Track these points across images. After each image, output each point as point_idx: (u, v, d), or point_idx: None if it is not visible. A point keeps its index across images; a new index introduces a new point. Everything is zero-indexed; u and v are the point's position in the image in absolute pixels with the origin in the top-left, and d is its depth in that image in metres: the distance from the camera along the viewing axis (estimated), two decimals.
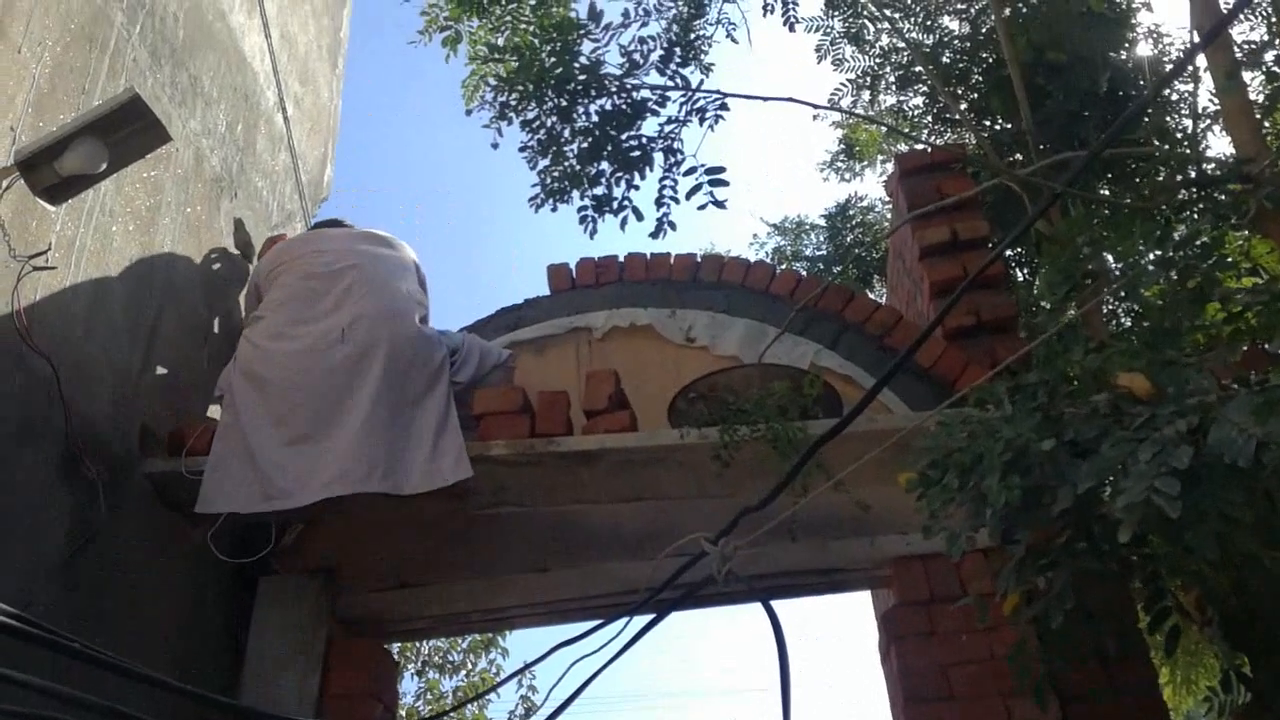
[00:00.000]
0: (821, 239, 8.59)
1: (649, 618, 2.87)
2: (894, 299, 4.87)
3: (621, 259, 4.31)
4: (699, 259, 4.29)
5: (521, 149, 4.39)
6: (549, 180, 4.37)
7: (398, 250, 3.72)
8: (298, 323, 3.32)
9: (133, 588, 3.02)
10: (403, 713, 8.37)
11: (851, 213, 8.37)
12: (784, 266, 7.93)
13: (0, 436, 2.57)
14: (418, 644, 9.21)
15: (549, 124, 4.37)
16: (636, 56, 4.44)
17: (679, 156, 4.30)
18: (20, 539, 2.60)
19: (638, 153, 4.27)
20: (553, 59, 4.20)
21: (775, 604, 2.55)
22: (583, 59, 4.29)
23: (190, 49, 3.68)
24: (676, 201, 4.23)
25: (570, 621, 3.62)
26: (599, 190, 4.29)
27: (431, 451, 3.22)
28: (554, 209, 4.32)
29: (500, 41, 4.39)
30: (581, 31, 4.31)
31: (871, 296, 5.68)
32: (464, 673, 9.02)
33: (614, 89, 4.32)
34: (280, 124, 4.54)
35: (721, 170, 4.03)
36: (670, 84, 4.45)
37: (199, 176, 3.71)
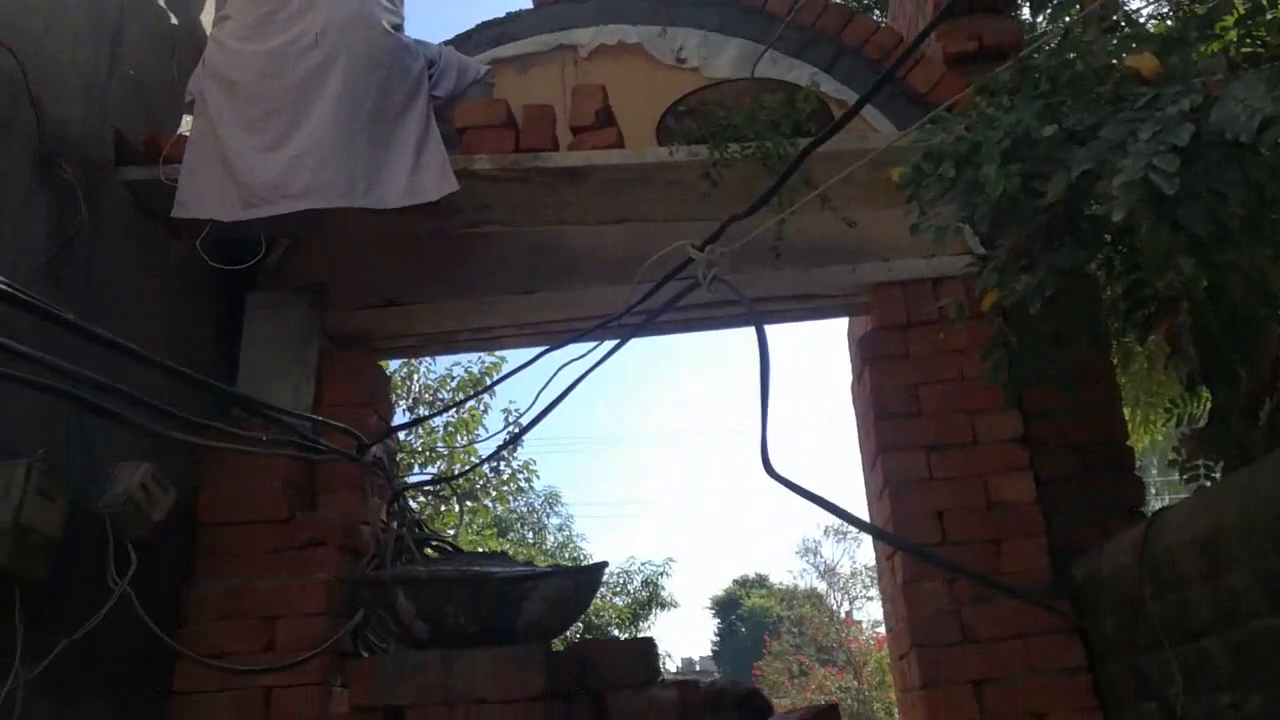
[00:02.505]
0: None
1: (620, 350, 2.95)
2: (896, 26, 4.65)
3: None
4: None
5: None
6: None
7: None
8: (266, 22, 3.15)
9: (118, 297, 3.03)
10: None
11: None
12: None
13: None
14: (409, 383, 9.48)
15: None
16: None
17: None
18: (2, 237, 2.57)
19: None
20: None
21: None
22: None
23: None
24: None
25: (557, 344, 3.69)
26: None
27: (413, 165, 3.15)
28: None
29: None
30: None
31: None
32: (453, 410, 9.35)
33: None
34: None
35: None
36: None
37: None
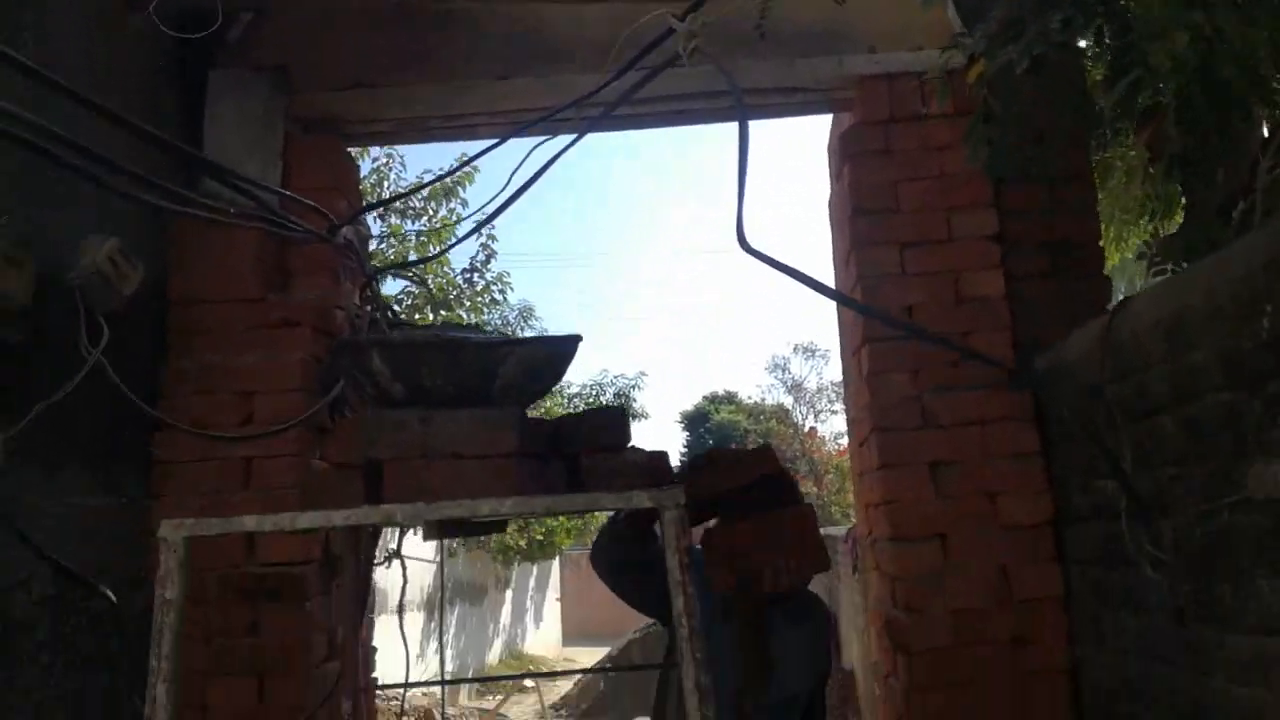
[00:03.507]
0: None
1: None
2: None
3: None
4: None
5: None
6: None
7: None
8: None
9: (74, 70, 2.83)
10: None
11: None
12: None
13: None
14: (379, 190, 9.30)
15: None
16: None
17: None
18: None
19: None
20: None
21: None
22: None
23: None
24: None
25: (525, 126, 3.57)
26: None
27: None
28: None
29: None
30: None
31: None
32: (425, 219, 9.23)
33: None
34: None
35: None
36: None
37: None
